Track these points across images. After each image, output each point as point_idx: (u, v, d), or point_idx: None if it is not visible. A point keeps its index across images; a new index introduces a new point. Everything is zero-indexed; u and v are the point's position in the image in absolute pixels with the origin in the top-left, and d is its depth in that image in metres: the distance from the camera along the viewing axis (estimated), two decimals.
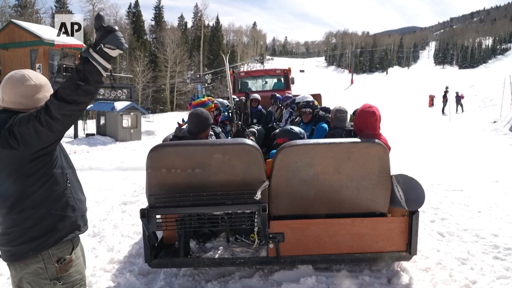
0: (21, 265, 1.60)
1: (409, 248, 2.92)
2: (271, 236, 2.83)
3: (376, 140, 2.90)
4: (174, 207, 2.78)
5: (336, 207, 2.94)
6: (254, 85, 11.23)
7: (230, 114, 5.03)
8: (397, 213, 3.07)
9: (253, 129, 5.72)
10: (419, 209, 2.91)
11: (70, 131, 20.25)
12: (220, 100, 5.05)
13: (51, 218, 1.61)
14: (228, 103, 5.21)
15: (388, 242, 2.93)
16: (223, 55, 6.05)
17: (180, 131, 3.23)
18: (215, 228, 3.10)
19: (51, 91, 1.65)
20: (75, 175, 1.79)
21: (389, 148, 3.03)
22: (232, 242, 3.18)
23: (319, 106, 5.01)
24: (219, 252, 3.07)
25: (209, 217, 2.91)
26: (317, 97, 7.26)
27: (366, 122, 3.09)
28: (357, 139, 2.97)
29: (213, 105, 4.23)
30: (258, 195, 2.70)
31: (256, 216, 2.76)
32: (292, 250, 2.91)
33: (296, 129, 3.41)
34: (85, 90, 1.44)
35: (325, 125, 4.32)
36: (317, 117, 4.62)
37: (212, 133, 3.66)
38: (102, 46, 1.45)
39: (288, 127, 3.56)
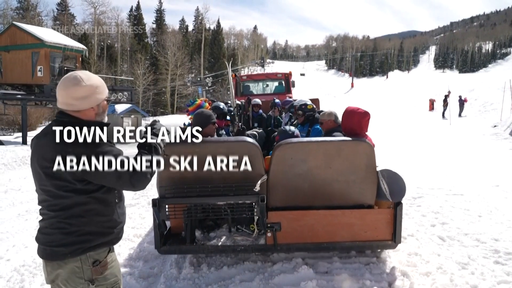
0: (59, 262, 1.63)
1: (394, 237, 3.16)
2: (269, 225, 3.08)
3: (364, 139, 3.17)
4: (182, 198, 3.03)
5: (328, 199, 3.19)
6: (256, 88, 11.34)
7: (232, 116, 5.31)
8: (384, 206, 3.30)
9: (254, 132, 5.81)
10: (405, 202, 3.07)
11: None
12: (222, 105, 5.19)
13: (94, 227, 1.65)
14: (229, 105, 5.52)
15: (375, 232, 3.18)
16: (226, 62, 6.44)
17: None
18: (219, 217, 3.31)
19: (105, 93, 1.73)
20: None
21: (374, 146, 3.27)
22: (234, 232, 3.41)
23: (316, 110, 5.21)
24: (221, 240, 3.31)
25: (213, 208, 3.15)
26: (315, 101, 7.53)
27: (359, 123, 3.30)
28: (346, 138, 3.24)
29: (207, 104, 4.52)
30: (257, 187, 2.97)
31: (255, 207, 3.01)
32: (288, 238, 3.14)
33: (287, 127, 3.81)
34: (152, 162, 1.67)
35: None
36: (310, 119, 4.84)
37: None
38: (154, 130, 1.81)
39: (283, 127, 3.89)
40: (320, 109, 6.68)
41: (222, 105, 4.90)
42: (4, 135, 21.37)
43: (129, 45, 51.06)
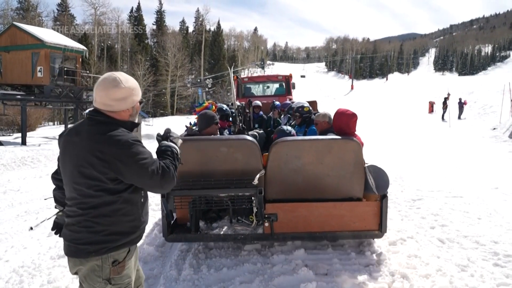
0: (81, 260, 1.68)
1: (381, 228, 3.43)
2: (266, 216, 3.34)
3: (352, 138, 3.43)
4: (188, 190, 3.30)
5: (320, 192, 3.46)
6: (257, 90, 11.50)
7: (233, 117, 5.57)
8: (371, 199, 3.57)
9: (255, 133, 5.90)
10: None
11: None
12: (225, 107, 5.51)
13: (120, 227, 1.69)
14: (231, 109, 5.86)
15: (363, 222, 3.45)
16: (227, 65, 6.82)
17: (192, 131, 3.88)
18: (221, 207, 3.58)
19: (140, 95, 1.81)
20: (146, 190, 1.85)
21: (362, 144, 3.55)
22: (234, 222, 3.68)
23: (313, 111, 5.46)
24: (223, 230, 3.61)
25: (216, 200, 3.44)
26: (313, 103, 7.86)
27: (347, 123, 3.55)
28: (336, 136, 3.50)
29: (214, 107, 4.86)
30: (256, 181, 3.21)
31: (254, 199, 3.29)
32: (284, 228, 3.41)
33: (285, 127, 4.09)
34: (176, 167, 1.79)
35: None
36: (307, 120, 5.11)
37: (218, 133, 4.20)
38: (171, 138, 1.92)
39: (280, 127, 4.25)
40: (318, 110, 6.81)
41: (225, 107, 5.18)
42: (3, 135, 21.35)
43: (129, 46, 51.08)
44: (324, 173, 3.40)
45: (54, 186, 1.96)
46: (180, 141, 1.95)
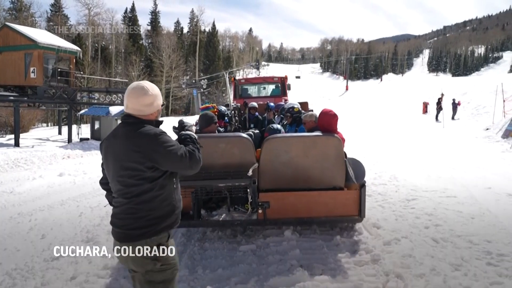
0: (129, 244, 1.90)
1: (360, 213, 3.84)
2: (260, 203, 3.73)
3: (333, 134, 3.85)
4: (190, 181, 3.53)
5: (307, 182, 3.87)
6: (253, 91, 11.66)
7: (229, 118, 5.97)
8: (352, 188, 3.97)
9: (251, 132, 5.97)
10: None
11: (64, 135, 20.03)
12: (223, 108, 5.96)
13: (159, 212, 1.94)
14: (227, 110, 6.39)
15: (345, 209, 3.87)
16: (222, 68, 7.33)
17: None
18: (219, 196, 3.94)
19: (161, 99, 2.10)
20: (178, 178, 2.10)
21: (344, 140, 3.97)
22: (232, 210, 4.07)
23: (303, 112, 5.78)
24: (222, 217, 4.00)
25: (215, 190, 3.79)
26: (305, 104, 8.37)
27: (329, 122, 3.97)
28: (320, 133, 3.92)
29: (215, 109, 5.36)
30: (250, 172, 3.62)
31: (248, 189, 3.66)
32: (275, 214, 3.80)
33: (275, 126, 4.61)
34: (199, 150, 2.08)
35: None
36: (297, 120, 5.46)
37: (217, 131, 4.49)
38: (187, 127, 2.25)
39: (270, 125, 4.71)
40: (310, 110, 7.05)
41: (223, 108, 5.61)
42: None
43: (124, 46, 50.86)
44: (310, 166, 3.81)
45: (105, 192, 2.20)
46: (194, 128, 2.28)
